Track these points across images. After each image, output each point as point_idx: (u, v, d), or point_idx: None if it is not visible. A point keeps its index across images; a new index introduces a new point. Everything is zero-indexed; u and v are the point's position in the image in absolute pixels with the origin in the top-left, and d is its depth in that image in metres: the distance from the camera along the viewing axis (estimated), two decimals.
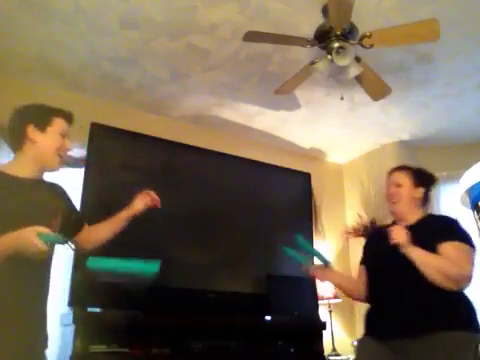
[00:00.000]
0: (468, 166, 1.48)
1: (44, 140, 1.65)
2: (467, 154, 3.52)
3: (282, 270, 3.21)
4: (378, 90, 2.86)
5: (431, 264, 1.79)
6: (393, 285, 1.88)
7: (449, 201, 3.94)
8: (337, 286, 2.23)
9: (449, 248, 1.81)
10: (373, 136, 4.05)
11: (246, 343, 2.83)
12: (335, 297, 3.58)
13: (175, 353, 2.59)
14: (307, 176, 3.76)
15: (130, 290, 2.70)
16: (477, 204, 1.40)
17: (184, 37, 2.72)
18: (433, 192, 2.12)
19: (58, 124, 1.69)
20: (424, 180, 2.07)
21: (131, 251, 2.81)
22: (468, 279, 1.79)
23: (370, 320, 1.98)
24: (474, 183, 1.40)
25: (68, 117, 1.74)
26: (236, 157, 3.48)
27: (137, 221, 2.92)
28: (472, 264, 1.80)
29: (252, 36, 2.41)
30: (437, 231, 1.88)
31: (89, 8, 2.48)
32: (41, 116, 1.67)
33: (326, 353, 3.25)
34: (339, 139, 4.09)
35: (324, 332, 3.18)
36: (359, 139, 4.09)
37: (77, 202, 2.74)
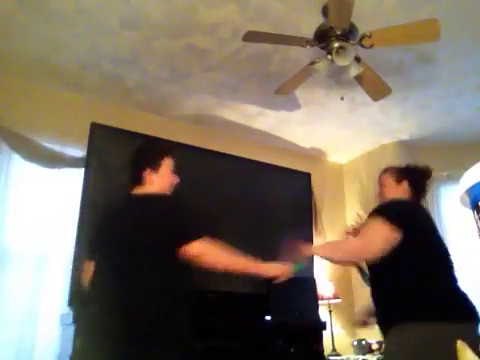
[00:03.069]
0: (468, 166, 1.48)
1: (159, 180, 1.99)
2: (467, 154, 3.52)
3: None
4: (378, 90, 2.86)
5: (335, 251, 1.92)
6: (372, 281, 1.94)
7: (449, 201, 3.95)
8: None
9: (368, 222, 1.87)
10: (373, 136, 4.05)
11: (246, 343, 2.83)
12: (335, 297, 3.58)
13: (175, 353, 2.58)
14: (307, 176, 3.77)
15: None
16: (477, 204, 1.40)
17: (184, 37, 2.72)
18: (426, 182, 2.09)
19: (167, 164, 2.02)
20: (405, 173, 2.10)
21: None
22: (367, 253, 1.82)
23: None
24: (474, 183, 1.39)
25: (173, 153, 2.06)
26: (236, 157, 3.48)
27: None
28: (377, 236, 1.79)
29: (252, 36, 2.41)
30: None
31: (89, 8, 2.48)
32: (154, 160, 2.00)
33: (326, 353, 3.25)
34: (339, 139, 4.09)
35: (324, 332, 3.18)
36: (359, 139, 4.09)
37: (77, 202, 2.75)
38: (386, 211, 1.85)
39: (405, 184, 2.06)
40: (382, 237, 1.79)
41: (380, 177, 2.18)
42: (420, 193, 2.08)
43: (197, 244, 1.78)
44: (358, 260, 1.96)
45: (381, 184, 2.15)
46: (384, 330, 1.80)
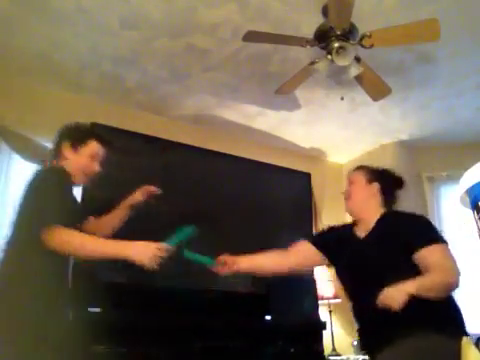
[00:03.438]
0: (468, 166, 1.48)
1: (74, 158, 1.85)
2: (467, 154, 3.52)
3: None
4: (378, 90, 2.86)
5: (432, 287, 1.66)
6: (370, 298, 1.71)
7: (449, 201, 3.95)
8: (249, 270, 2.03)
9: (432, 254, 1.70)
10: (373, 136, 4.05)
11: (246, 343, 2.83)
12: (335, 297, 3.58)
13: (175, 353, 2.59)
14: (307, 176, 3.76)
15: (130, 290, 2.71)
16: (477, 204, 1.40)
17: (184, 37, 2.72)
18: (398, 191, 1.98)
19: (91, 147, 1.88)
20: (378, 175, 1.96)
21: None
22: (459, 276, 1.71)
23: (358, 332, 1.89)
24: (474, 183, 1.40)
25: (104, 141, 1.93)
26: (236, 157, 3.48)
27: (137, 221, 2.93)
28: (455, 261, 1.72)
29: (252, 36, 2.41)
30: (410, 235, 1.76)
31: (90, 8, 2.48)
32: (78, 136, 1.88)
33: (326, 353, 3.25)
34: (339, 139, 4.09)
35: (324, 332, 3.18)
36: (359, 139, 4.09)
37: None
38: (439, 234, 1.78)
39: (375, 187, 1.92)
40: (455, 261, 1.73)
41: (351, 174, 2.02)
42: (388, 200, 1.95)
43: (58, 231, 1.59)
44: (447, 293, 1.73)
45: (350, 181, 1.99)
46: (389, 338, 1.66)
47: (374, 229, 1.87)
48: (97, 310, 2.57)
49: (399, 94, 3.29)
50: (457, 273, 1.70)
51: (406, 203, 4.14)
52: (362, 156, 4.36)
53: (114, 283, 2.70)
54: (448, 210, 3.95)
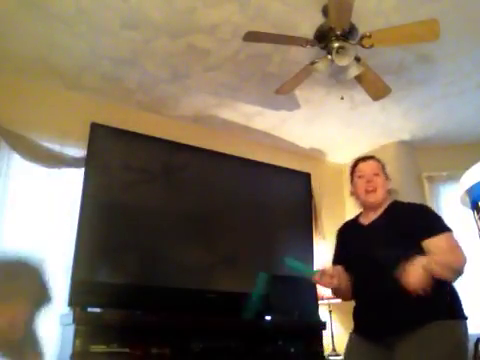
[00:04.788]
0: (468, 166, 1.48)
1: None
2: (467, 154, 3.52)
3: (282, 270, 3.21)
4: (378, 90, 2.86)
5: (447, 265, 1.78)
6: (379, 284, 1.84)
7: (449, 201, 3.95)
8: (345, 290, 2.01)
9: (441, 241, 1.82)
10: (373, 136, 4.05)
11: (246, 343, 2.83)
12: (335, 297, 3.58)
13: (175, 353, 2.59)
14: (307, 176, 3.76)
15: (130, 290, 2.71)
16: (477, 204, 1.40)
17: (184, 37, 2.72)
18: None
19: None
20: (388, 174, 2.08)
21: (131, 250, 2.83)
22: (466, 262, 1.84)
23: (361, 319, 1.95)
24: (474, 183, 1.39)
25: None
26: (236, 157, 3.48)
27: (137, 221, 2.93)
28: (462, 247, 1.86)
29: (252, 36, 2.41)
30: (419, 226, 1.85)
31: (89, 8, 2.48)
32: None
33: (326, 353, 3.25)
34: (339, 139, 4.09)
35: (324, 332, 3.18)
36: (359, 139, 4.09)
37: (77, 202, 2.75)
38: (445, 223, 1.91)
39: (390, 183, 2.04)
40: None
41: (368, 164, 2.04)
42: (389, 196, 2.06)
43: None
44: (455, 276, 1.86)
45: (374, 172, 2.01)
46: (404, 328, 1.75)
47: (380, 216, 1.96)
48: (97, 310, 2.57)
49: (399, 94, 3.30)
50: (466, 258, 1.84)
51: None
52: None
53: (114, 283, 2.71)
54: (448, 210, 3.94)
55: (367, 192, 1.98)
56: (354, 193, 2.07)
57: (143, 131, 3.10)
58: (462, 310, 1.85)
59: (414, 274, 1.64)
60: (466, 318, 1.83)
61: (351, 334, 1.98)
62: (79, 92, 3.26)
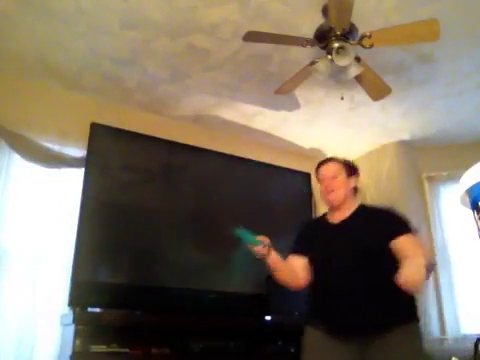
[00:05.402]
0: (468, 166, 1.48)
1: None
2: (467, 154, 3.52)
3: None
4: (378, 90, 2.86)
5: (428, 265, 1.77)
6: (350, 282, 1.87)
7: (449, 201, 3.95)
8: (271, 266, 2.01)
9: (407, 241, 1.86)
10: (373, 136, 4.05)
11: (246, 343, 2.83)
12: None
13: (175, 353, 2.59)
14: (307, 176, 3.76)
15: (130, 290, 2.71)
16: (477, 204, 1.40)
17: (184, 37, 2.72)
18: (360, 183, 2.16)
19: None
20: (354, 169, 2.14)
21: (131, 250, 2.83)
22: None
23: (327, 316, 1.93)
24: (474, 183, 1.40)
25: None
26: (236, 157, 3.48)
27: (137, 221, 2.93)
28: (423, 248, 1.92)
29: (252, 36, 2.41)
30: (382, 227, 1.91)
31: (89, 8, 2.48)
32: None
33: None
34: (339, 139, 4.09)
35: None
36: (359, 139, 4.09)
37: (77, 202, 2.75)
38: (410, 224, 1.97)
39: (353, 181, 2.10)
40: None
41: (328, 167, 2.11)
42: (357, 193, 2.13)
43: None
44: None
45: (333, 174, 2.08)
46: (375, 330, 1.78)
47: (350, 217, 2.03)
48: (97, 310, 2.58)
49: (399, 94, 3.29)
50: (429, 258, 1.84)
51: (406, 203, 4.15)
52: (362, 156, 4.35)
53: (114, 283, 2.71)
54: (448, 210, 3.94)
55: (327, 192, 2.08)
56: (320, 195, 2.18)
57: (143, 131, 3.11)
58: (418, 312, 1.92)
59: (417, 272, 1.63)
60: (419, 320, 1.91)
61: (309, 327, 1.97)
62: (79, 92, 3.26)
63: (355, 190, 2.12)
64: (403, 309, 1.82)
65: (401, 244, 1.85)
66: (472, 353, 2.84)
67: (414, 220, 4.04)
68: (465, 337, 3.46)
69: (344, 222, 2.03)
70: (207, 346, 2.69)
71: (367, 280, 1.84)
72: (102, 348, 2.40)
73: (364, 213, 2.05)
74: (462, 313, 3.65)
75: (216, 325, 2.77)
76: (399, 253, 1.82)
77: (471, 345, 2.87)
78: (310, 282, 2.03)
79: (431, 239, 3.90)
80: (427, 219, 3.98)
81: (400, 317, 1.79)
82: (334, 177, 2.08)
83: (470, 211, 1.49)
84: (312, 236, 2.12)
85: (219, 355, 2.71)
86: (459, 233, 3.78)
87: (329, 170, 2.10)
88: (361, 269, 1.86)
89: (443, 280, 3.75)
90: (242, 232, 1.91)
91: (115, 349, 2.43)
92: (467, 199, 1.47)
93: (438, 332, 3.60)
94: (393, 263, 1.76)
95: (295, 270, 2.05)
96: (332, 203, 2.07)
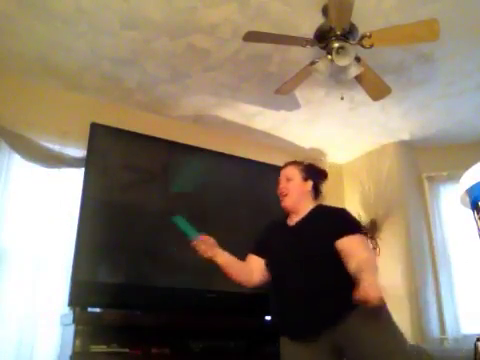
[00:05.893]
0: (468, 166, 1.48)
1: None
2: (467, 154, 3.52)
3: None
4: (378, 90, 2.86)
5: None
6: (296, 283, 1.90)
7: (449, 201, 3.95)
8: (223, 266, 2.04)
9: (351, 242, 1.87)
10: (373, 136, 4.05)
11: (246, 343, 2.83)
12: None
13: (175, 353, 2.59)
14: None
15: (130, 290, 2.71)
16: (477, 204, 1.40)
17: (184, 37, 2.72)
18: (322, 185, 2.17)
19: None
20: (312, 174, 2.14)
21: (131, 250, 2.83)
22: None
23: (288, 319, 1.95)
24: (474, 183, 1.40)
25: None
26: (236, 157, 3.48)
27: (137, 221, 2.93)
28: (368, 249, 1.96)
29: (252, 36, 2.41)
30: (329, 228, 1.92)
31: (89, 8, 2.48)
32: None
33: None
34: (339, 139, 4.09)
35: None
36: (359, 139, 4.09)
37: (77, 202, 2.75)
38: (355, 226, 1.99)
39: (310, 184, 2.10)
40: (369, 250, 2.01)
41: (284, 170, 2.17)
42: (318, 195, 2.14)
43: None
44: None
45: (286, 178, 2.12)
46: (331, 319, 1.79)
47: (304, 218, 2.04)
48: (97, 310, 2.58)
49: (399, 94, 3.29)
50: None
51: (406, 203, 4.16)
52: (362, 156, 4.36)
53: (114, 283, 2.71)
54: (448, 210, 3.94)
55: (281, 196, 2.10)
56: None
57: (143, 131, 3.10)
58: None
59: (375, 288, 1.64)
60: None
61: (281, 337, 1.99)
62: (79, 92, 3.26)
63: (315, 193, 2.12)
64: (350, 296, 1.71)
65: (344, 245, 1.86)
66: (472, 353, 2.84)
67: (414, 220, 4.08)
68: (465, 337, 3.46)
69: (297, 224, 2.04)
70: (207, 346, 2.69)
71: (310, 281, 1.86)
72: (102, 348, 2.40)
73: (317, 214, 2.04)
74: (462, 313, 3.65)
75: (216, 325, 2.77)
76: (343, 254, 1.84)
77: (471, 345, 2.87)
78: (270, 286, 2.06)
79: (431, 239, 3.91)
80: (427, 219, 3.98)
81: (349, 304, 1.70)
82: (288, 180, 2.11)
83: (470, 211, 1.49)
84: (270, 237, 2.14)
85: (219, 355, 2.71)
86: (459, 233, 3.78)
87: (284, 174, 2.15)
88: (306, 270, 1.88)
89: (443, 280, 3.76)
90: (180, 220, 1.93)
91: (115, 349, 2.43)
92: (467, 199, 1.47)
93: (438, 332, 3.60)
94: (339, 264, 1.82)
95: (249, 269, 2.08)
96: (284, 207, 2.09)
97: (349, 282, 1.72)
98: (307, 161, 2.20)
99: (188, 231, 1.96)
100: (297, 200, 2.07)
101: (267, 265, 2.08)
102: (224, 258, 2.02)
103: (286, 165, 2.20)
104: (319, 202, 2.14)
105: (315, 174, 2.16)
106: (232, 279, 2.07)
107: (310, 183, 2.10)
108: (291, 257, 1.96)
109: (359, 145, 4.20)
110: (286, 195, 2.08)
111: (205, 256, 1.98)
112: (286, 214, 2.13)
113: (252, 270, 2.08)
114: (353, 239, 1.88)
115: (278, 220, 2.17)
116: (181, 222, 1.96)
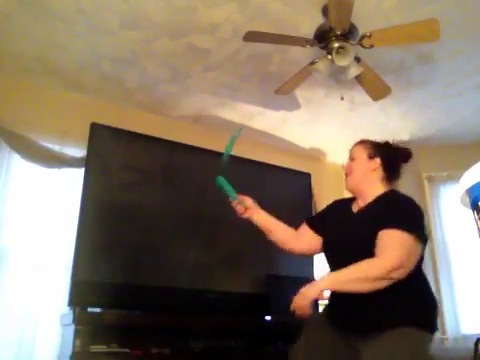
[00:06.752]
0: (468, 166, 1.48)
1: None
2: (467, 154, 3.53)
3: (282, 270, 3.21)
4: (378, 90, 2.86)
5: (348, 281, 1.63)
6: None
7: (449, 201, 3.95)
8: (260, 225, 1.96)
9: (386, 237, 1.63)
10: (373, 136, 4.03)
11: (246, 343, 2.83)
12: None
13: (175, 353, 2.59)
14: (307, 176, 3.76)
15: (130, 290, 2.71)
16: (477, 204, 1.40)
17: (184, 37, 2.72)
18: (400, 165, 1.91)
19: None
20: (380, 150, 1.89)
21: (131, 250, 2.83)
22: (400, 268, 1.58)
23: (334, 309, 1.81)
24: (474, 183, 1.39)
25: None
26: (236, 157, 3.47)
27: (137, 221, 2.93)
28: (406, 252, 1.60)
29: (252, 36, 2.41)
30: (384, 215, 1.70)
31: (89, 8, 2.48)
32: None
33: None
34: (339, 139, 4.09)
35: None
36: (359, 139, 4.08)
37: (77, 202, 2.75)
38: (413, 227, 1.67)
39: (377, 161, 1.85)
40: (406, 253, 1.60)
41: (352, 149, 1.96)
42: (392, 175, 1.89)
43: None
44: (377, 285, 1.61)
45: (351, 157, 1.92)
46: (366, 333, 1.64)
47: (368, 205, 1.81)
48: (97, 310, 2.57)
49: (399, 94, 3.29)
50: (394, 265, 1.58)
51: None
52: None
53: (114, 283, 2.71)
54: (448, 210, 3.94)
55: (345, 177, 1.91)
56: None
57: (143, 131, 3.10)
58: (431, 322, 1.69)
59: (296, 302, 1.64)
60: (432, 329, 1.68)
61: (323, 316, 1.85)
62: (79, 92, 3.26)
63: (387, 174, 1.86)
64: (396, 311, 1.62)
65: (379, 239, 1.64)
66: (472, 353, 2.84)
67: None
68: (465, 337, 3.47)
69: (359, 212, 1.83)
70: (207, 346, 2.69)
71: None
72: (102, 348, 2.40)
73: (380, 202, 1.79)
74: (462, 313, 3.65)
75: (216, 325, 2.77)
76: (376, 249, 1.63)
77: (471, 345, 2.87)
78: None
79: (431, 239, 3.91)
80: (427, 219, 3.98)
81: (391, 319, 1.60)
82: (352, 160, 1.91)
83: (470, 211, 1.48)
84: (330, 217, 1.95)
85: (219, 355, 2.71)
86: (459, 233, 3.78)
87: (350, 154, 1.94)
88: (356, 261, 1.66)
89: (443, 280, 3.76)
90: (222, 182, 1.93)
91: (115, 349, 2.42)
92: (467, 199, 1.47)
93: (438, 332, 3.60)
94: None
95: (296, 234, 1.98)
96: (346, 188, 1.90)
97: (403, 294, 1.60)
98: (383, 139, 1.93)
99: (230, 192, 1.94)
100: (359, 180, 1.84)
101: (322, 246, 1.92)
102: (261, 217, 1.94)
103: (354, 145, 1.97)
104: (393, 185, 1.87)
105: (387, 151, 1.88)
106: (273, 240, 1.97)
107: (377, 161, 1.85)
108: (339, 247, 1.79)
109: None
110: (347, 175, 1.88)
111: (243, 217, 1.93)
112: (353, 197, 1.91)
113: (299, 236, 1.95)
114: (391, 235, 1.62)
115: (345, 200, 1.97)
116: (224, 183, 1.93)
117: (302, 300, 1.65)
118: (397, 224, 1.64)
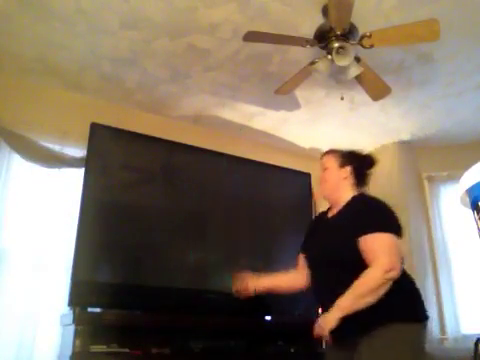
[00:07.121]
0: (468, 166, 1.48)
1: None
2: (467, 154, 3.52)
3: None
4: (378, 90, 2.86)
5: (360, 296, 1.68)
6: (326, 282, 1.84)
7: (449, 201, 3.95)
8: (272, 290, 2.09)
9: (370, 242, 1.72)
10: (373, 136, 4.05)
11: (246, 343, 2.83)
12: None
13: (175, 353, 2.59)
14: (307, 176, 3.76)
15: (130, 290, 2.71)
16: (477, 204, 1.40)
17: (184, 37, 2.72)
18: (368, 171, 2.02)
19: None
20: (350, 159, 2.01)
21: (131, 250, 2.83)
22: (392, 270, 1.68)
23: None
24: (474, 183, 1.39)
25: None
26: (236, 157, 3.48)
27: (137, 221, 2.93)
28: (394, 253, 1.71)
29: (252, 36, 2.41)
30: (360, 220, 1.79)
31: (89, 8, 2.48)
32: None
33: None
34: (339, 139, 4.09)
35: None
36: (359, 139, 4.09)
37: (77, 202, 2.75)
38: (389, 226, 1.78)
39: (348, 170, 1.97)
40: (399, 250, 1.73)
41: (322, 159, 2.07)
42: (361, 181, 2.00)
43: None
44: (381, 291, 1.69)
45: (323, 167, 2.04)
46: (359, 331, 1.69)
47: (340, 211, 1.92)
48: (97, 310, 2.57)
49: (399, 94, 3.29)
50: (387, 269, 1.68)
51: (406, 203, 4.15)
52: None
53: (114, 283, 2.71)
54: (448, 210, 3.94)
55: (320, 186, 2.04)
56: None
57: (143, 131, 3.10)
58: (418, 312, 1.77)
59: (321, 328, 1.71)
60: (423, 320, 1.76)
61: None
62: (79, 92, 3.26)
63: (357, 180, 1.97)
64: (386, 309, 1.67)
65: (362, 245, 1.73)
66: (472, 353, 2.84)
67: (414, 220, 4.08)
68: (465, 337, 3.46)
69: (333, 217, 1.95)
70: (207, 346, 2.69)
71: (339, 282, 1.74)
72: (102, 348, 2.40)
73: (351, 206, 1.90)
74: (462, 313, 3.65)
75: (216, 325, 2.77)
76: (363, 255, 1.72)
77: (471, 345, 2.87)
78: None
79: (431, 239, 3.91)
80: (427, 219, 3.98)
81: (383, 317, 1.66)
82: (324, 169, 2.03)
83: (470, 211, 1.48)
84: (312, 232, 2.09)
85: (219, 355, 2.71)
86: (459, 233, 3.78)
87: (321, 164, 2.07)
88: (332, 268, 1.78)
89: (443, 280, 3.76)
90: None
91: (115, 349, 2.42)
92: (467, 199, 1.47)
93: (438, 332, 3.60)
94: (363, 262, 1.72)
95: (295, 274, 2.08)
96: (323, 196, 2.05)
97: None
98: (349, 149, 2.07)
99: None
100: (333, 189, 1.97)
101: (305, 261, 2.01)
102: (264, 284, 2.07)
103: (323, 154, 2.08)
104: (362, 190, 1.98)
105: (355, 159, 2.01)
106: (285, 292, 2.11)
107: (348, 169, 1.97)
108: (317, 254, 1.89)
109: (359, 145, 4.18)
110: (321, 184, 2.02)
111: (248, 295, 2.05)
112: (329, 205, 2.03)
113: (299, 270, 2.05)
114: (373, 239, 1.72)
115: (325, 211, 2.08)
116: None
117: (322, 331, 1.73)
118: (376, 227, 1.75)
